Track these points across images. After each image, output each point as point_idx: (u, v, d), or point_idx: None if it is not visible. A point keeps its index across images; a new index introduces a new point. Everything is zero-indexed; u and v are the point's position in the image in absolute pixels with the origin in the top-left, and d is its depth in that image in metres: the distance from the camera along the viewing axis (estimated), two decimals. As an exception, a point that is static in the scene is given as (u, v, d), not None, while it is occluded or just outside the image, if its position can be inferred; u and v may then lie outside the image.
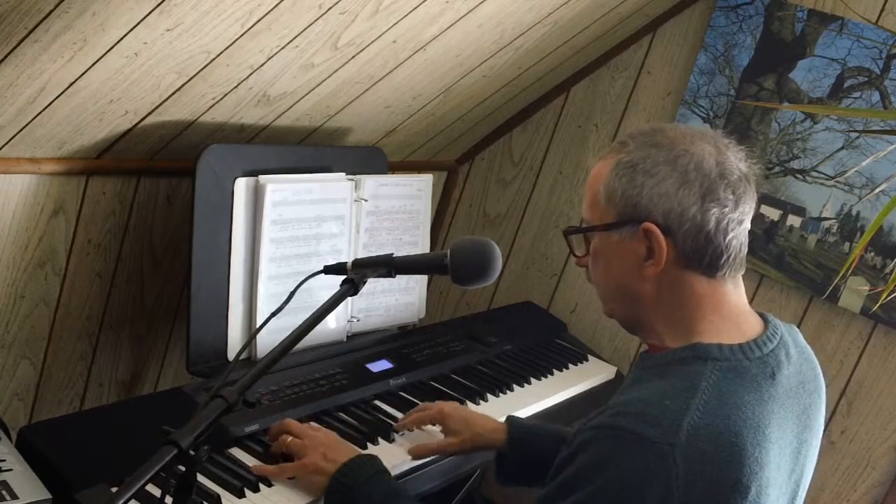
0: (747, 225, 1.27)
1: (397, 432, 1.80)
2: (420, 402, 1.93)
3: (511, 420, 1.75)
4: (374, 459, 1.51)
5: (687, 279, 1.25)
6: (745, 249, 1.28)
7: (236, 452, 1.62)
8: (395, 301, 2.24)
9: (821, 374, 1.36)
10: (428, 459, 1.76)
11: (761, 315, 1.32)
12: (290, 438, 1.59)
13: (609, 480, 1.12)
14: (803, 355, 1.33)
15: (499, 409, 2.02)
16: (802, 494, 1.32)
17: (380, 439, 1.77)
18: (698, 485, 1.10)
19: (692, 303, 1.25)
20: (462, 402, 1.99)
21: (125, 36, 1.40)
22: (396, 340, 2.19)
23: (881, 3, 2.21)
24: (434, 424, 1.78)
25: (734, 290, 1.28)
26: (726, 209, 1.22)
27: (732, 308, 1.27)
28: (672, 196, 1.22)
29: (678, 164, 1.22)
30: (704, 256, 1.23)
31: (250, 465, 1.58)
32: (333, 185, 2.02)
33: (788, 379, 1.25)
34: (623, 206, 1.25)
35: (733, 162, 1.25)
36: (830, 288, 2.26)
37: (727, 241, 1.23)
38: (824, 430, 1.40)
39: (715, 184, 1.22)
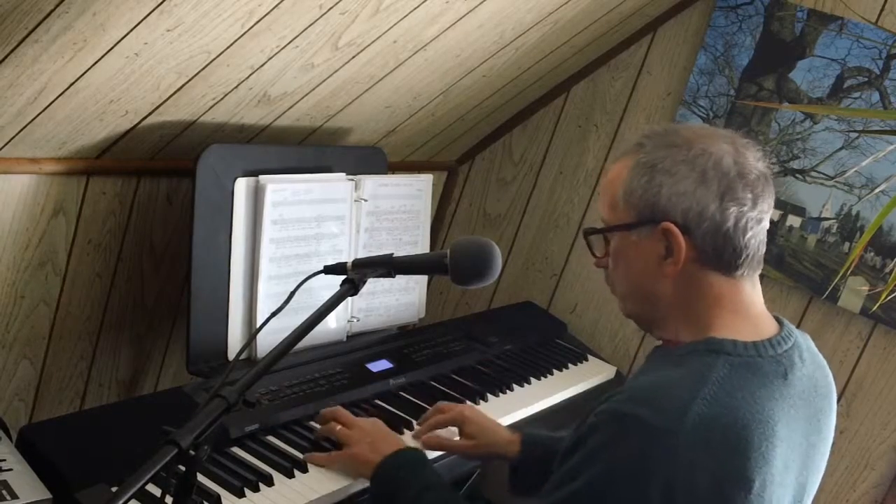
0: (766, 224, 1.28)
1: (416, 437, 1.80)
2: (420, 402, 1.94)
3: (525, 434, 1.74)
4: (416, 452, 1.58)
5: (705, 278, 1.26)
6: (763, 248, 1.28)
7: (236, 452, 1.62)
8: (395, 301, 2.24)
9: (833, 383, 1.36)
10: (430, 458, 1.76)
11: (776, 318, 1.33)
12: (338, 427, 1.65)
13: (612, 465, 1.13)
14: (816, 361, 1.34)
15: (499, 408, 2.02)
16: (808, 500, 1.32)
17: (380, 439, 1.77)
18: (702, 474, 1.11)
19: (710, 301, 1.26)
20: (462, 403, 1.99)
21: (125, 36, 1.41)
22: (396, 340, 2.19)
23: (881, 3, 2.22)
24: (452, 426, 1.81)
25: (752, 290, 1.29)
26: (745, 208, 1.23)
27: (749, 306, 1.28)
28: (690, 195, 1.23)
29: (697, 164, 1.23)
30: (723, 255, 1.24)
31: (304, 455, 1.65)
32: (333, 186, 2.02)
33: (801, 381, 1.26)
34: (642, 205, 1.25)
35: (751, 161, 1.26)
36: (830, 288, 2.26)
37: (746, 239, 1.24)
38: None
39: (734, 183, 1.23)
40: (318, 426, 1.73)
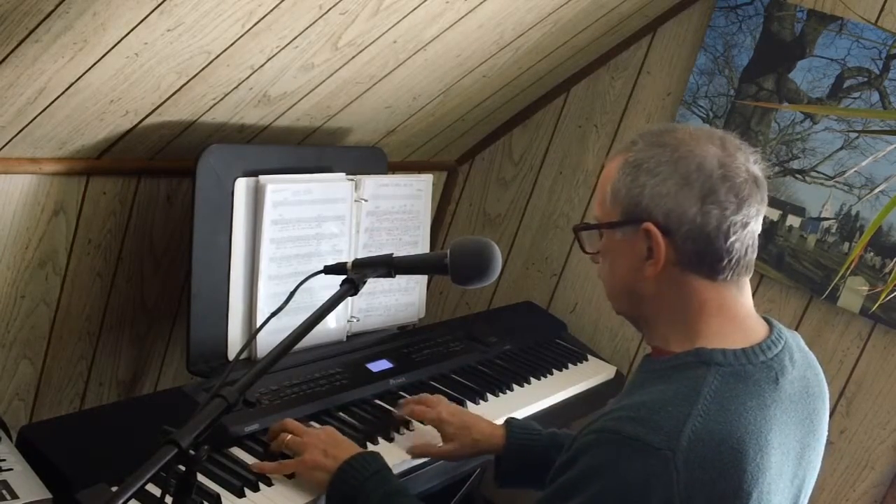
0: (755, 228, 1.25)
1: (398, 428, 1.80)
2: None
3: (509, 423, 1.73)
4: (375, 457, 1.51)
5: (688, 281, 1.24)
6: (751, 253, 1.26)
7: (236, 452, 1.62)
8: (394, 301, 2.24)
9: (824, 380, 1.36)
10: (428, 458, 1.76)
11: (765, 319, 1.32)
12: (289, 437, 1.59)
13: (609, 485, 1.12)
14: (806, 360, 1.33)
15: (499, 408, 2.02)
16: (805, 500, 1.32)
17: (379, 438, 1.77)
18: (700, 491, 1.11)
19: (695, 305, 1.25)
20: (462, 403, 1.99)
21: (126, 36, 1.41)
22: (396, 340, 2.19)
23: (881, 3, 2.22)
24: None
25: (739, 294, 1.27)
26: (727, 211, 1.21)
27: (737, 311, 1.26)
28: (672, 197, 1.21)
29: (680, 165, 1.22)
30: (704, 259, 1.22)
31: (250, 463, 1.59)
32: (333, 186, 2.02)
33: (792, 384, 1.25)
34: (626, 204, 1.25)
35: (741, 164, 1.23)
36: (830, 288, 2.26)
37: (728, 243, 1.22)
38: (823, 431, 1.40)
39: (716, 185, 1.21)
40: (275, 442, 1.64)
